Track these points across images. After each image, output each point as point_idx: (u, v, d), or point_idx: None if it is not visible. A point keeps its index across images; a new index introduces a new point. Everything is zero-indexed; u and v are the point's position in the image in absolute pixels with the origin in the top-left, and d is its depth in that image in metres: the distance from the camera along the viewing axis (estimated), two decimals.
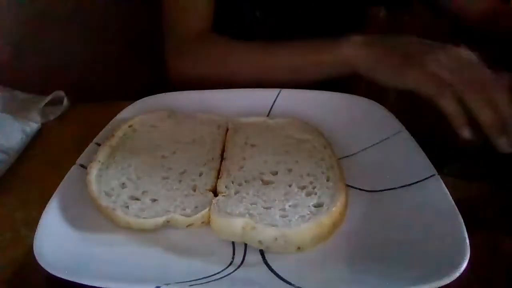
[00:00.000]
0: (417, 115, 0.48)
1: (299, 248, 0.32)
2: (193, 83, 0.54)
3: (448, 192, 0.33)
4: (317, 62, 0.52)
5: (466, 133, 0.41)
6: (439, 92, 0.42)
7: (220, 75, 0.56)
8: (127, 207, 0.35)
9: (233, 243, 0.33)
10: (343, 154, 0.42)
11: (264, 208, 0.34)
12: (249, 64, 0.56)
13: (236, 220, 0.32)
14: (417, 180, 0.36)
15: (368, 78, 0.49)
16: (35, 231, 0.32)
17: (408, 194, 0.35)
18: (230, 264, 0.31)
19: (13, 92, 0.56)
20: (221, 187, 0.37)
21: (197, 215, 0.34)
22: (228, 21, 0.63)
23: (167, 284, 0.28)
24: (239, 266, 0.31)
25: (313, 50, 0.53)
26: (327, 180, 0.37)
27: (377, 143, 0.42)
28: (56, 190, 0.36)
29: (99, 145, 0.42)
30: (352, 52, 0.50)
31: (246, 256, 0.32)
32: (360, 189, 0.38)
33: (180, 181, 0.38)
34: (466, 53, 0.44)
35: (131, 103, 0.49)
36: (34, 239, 0.31)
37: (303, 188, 0.36)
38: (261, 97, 0.49)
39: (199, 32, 0.60)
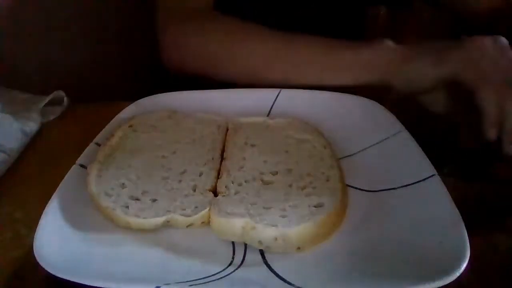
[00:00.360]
0: (417, 115, 0.48)
1: (299, 248, 0.32)
2: (188, 58, 0.49)
3: (448, 192, 0.33)
4: (344, 60, 0.47)
5: (493, 133, 0.40)
6: (482, 82, 0.40)
7: (221, 54, 0.49)
8: (127, 207, 0.35)
9: (233, 243, 0.33)
10: (343, 154, 0.42)
11: (264, 208, 0.34)
12: (260, 50, 0.48)
13: (236, 220, 0.32)
14: (417, 180, 0.36)
15: (399, 86, 0.45)
16: (35, 231, 0.32)
17: (408, 194, 0.35)
18: (230, 264, 0.31)
19: (13, 92, 0.56)
20: (221, 187, 0.37)
21: (197, 215, 0.34)
22: None
23: (167, 284, 0.28)
24: (239, 266, 0.31)
25: (340, 47, 0.47)
26: (327, 180, 0.37)
27: (377, 143, 0.42)
28: (56, 190, 0.36)
29: (99, 145, 0.42)
30: (385, 54, 0.46)
31: (246, 256, 0.32)
32: (360, 189, 0.38)
33: (180, 181, 0.38)
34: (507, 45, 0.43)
35: (131, 103, 0.49)
36: (34, 239, 0.31)
37: (303, 188, 0.36)
38: (261, 97, 0.49)
39: (202, 6, 0.54)
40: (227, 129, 0.46)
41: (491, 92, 0.40)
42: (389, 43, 0.47)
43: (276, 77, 0.48)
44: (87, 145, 0.42)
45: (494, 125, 0.40)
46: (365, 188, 0.38)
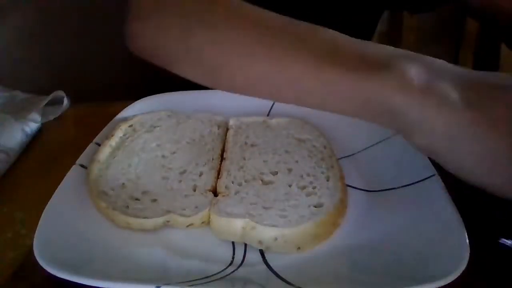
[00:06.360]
0: None
1: (299, 248, 0.32)
2: (145, 51, 0.41)
3: (448, 192, 0.33)
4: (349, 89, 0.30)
5: None
6: None
7: (174, 51, 0.38)
8: (127, 207, 0.35)
9: (233, 243, 0.33)
10: (343, 154, 0.42)
11: (264, 208, 0.34)
12: (221, 46, 0.34)
13: (236, 220, 0.32)
14: (417, 180, 0.36)
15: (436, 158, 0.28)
16: (35, 231, 0.32)
17: (408, 194, 0.35)
18: (230, 264, 0.31)
19: (13, 92, 0.56)
20: (221, 187, 0.37)
21: (197, 215, 0.34)
22: None
23: (167, 284, 0.28)
24: (239, 266, 0.31)
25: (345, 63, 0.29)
26: (327, 180, 0.37)
27: (377, 143, 0.42)
28: (56, 190, 0.36)
29: (99, 145, 0.42)
30: (416, 105, 0.26)
31: (246, 256, 0.32)
32: (360, 189, 0.38)
33: (180, 181, 0.38)
34: None
35: (131, 103, 0.49)
36: (34, 239, 0.31)
37: (303, 188, 0.36)
38: None
39: None
40: (227, 129, 0.46)
41: None
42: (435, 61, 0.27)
43: (241, 83, 0.35)
44: (87, 145, 0.42)
45: None
46: (365, 188, 0.38)
